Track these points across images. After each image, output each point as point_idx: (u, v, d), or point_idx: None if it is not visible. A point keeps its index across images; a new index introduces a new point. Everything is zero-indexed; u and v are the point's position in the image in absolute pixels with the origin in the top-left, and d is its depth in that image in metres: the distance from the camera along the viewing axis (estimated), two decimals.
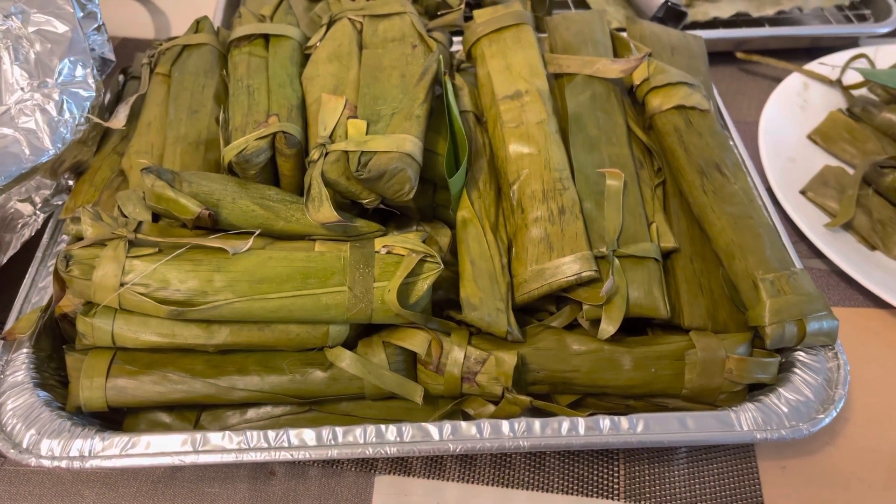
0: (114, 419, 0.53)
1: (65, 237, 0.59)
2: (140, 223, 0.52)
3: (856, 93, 0.82)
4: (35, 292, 0.55)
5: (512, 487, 0.54)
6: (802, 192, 0.72)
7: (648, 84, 0.62)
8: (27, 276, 0.56)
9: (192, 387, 0.50)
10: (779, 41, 0.88)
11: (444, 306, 0.56)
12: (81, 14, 0.62)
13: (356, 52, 0.63)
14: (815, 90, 0.83)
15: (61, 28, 0.59)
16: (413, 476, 0.54)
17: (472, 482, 0.54)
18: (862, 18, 0.92)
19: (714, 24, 0.89)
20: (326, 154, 0.54)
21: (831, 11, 0.93)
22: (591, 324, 0.53)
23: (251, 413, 0.53)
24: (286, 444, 0.47)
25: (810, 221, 0.69)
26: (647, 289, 0.53)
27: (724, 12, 0.88)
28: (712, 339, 0.51)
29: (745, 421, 0.49)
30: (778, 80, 0.86)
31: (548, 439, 0.48)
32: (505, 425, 0.48)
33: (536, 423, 0.48)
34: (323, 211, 0.51)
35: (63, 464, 0.46)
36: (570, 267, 0.52)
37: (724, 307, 0.54)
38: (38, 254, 0.58)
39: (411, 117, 0.55)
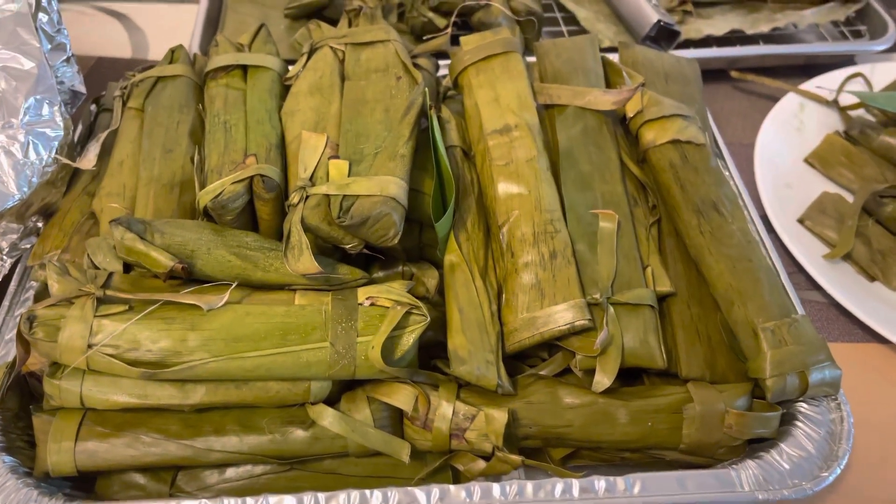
0: (86, 477, 0.50)
1: (33, 283, 0.56)
2: (110, 275, 0.49)
3: (853, 113, 0.80)
4: (1, 345, 0.53)
5: None
6: (800, 221, 0.70)
7: (642, 117, 0.60)
8: None
9: (166, 449, 0.48)
10: (774, 59, 0.86)
11: (431, 348, 0.54)
12: (50, 46, 0.60)
13: (338, 83, 0.61)
14: (812, 111, 0.81)
15: (27, 64, 0.56)
16: None
17: None
18: (857, 35, 0.90)
19: (707, 41, 0.86)
20: (307, 198, 0.51)
21: (827, 28, 0.91)
22: (585, 373, 0.51)
23: (230, 472, 0.50)
24: None
25: (808, 252, 0.67)
26: (643, 338, 0.50)
27: (718, 30, 0.86)
28: (711, 392, 0.49)
29: (745, 480, 0.47)
30: (773, 98, 0.84)
31: (541, 503, 0.45)
32: (496, 489, 0.46)
33: (529, 487, 0.46)
34: (303, 261, 0.48)
35: None
36: (562, 316, 0.50)
37: (723, 355, 0.52)
38: (6, 302, 0.55)
39: (395, 157, 0.53)
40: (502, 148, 0.57)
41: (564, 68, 0.65)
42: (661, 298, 0.55)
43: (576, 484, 0.46)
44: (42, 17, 0.59)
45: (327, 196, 0.50)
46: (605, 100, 0.61)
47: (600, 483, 0.46)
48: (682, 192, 0.56)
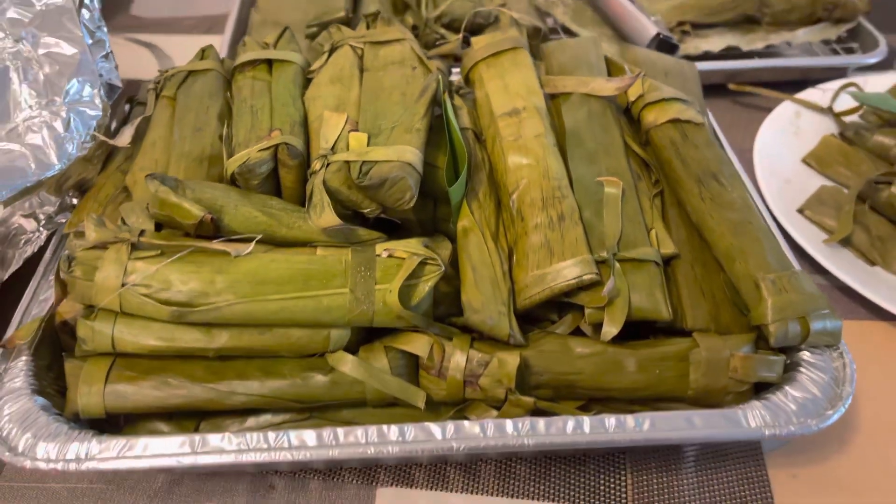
0: (113, 423, 0.52)
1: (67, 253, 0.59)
2: (143, 231, 0.52)
3: (847, 119, 0.83)
4: (35, 304, 0.55)
5: (517, 497, 0.52)
6: (800, 211, 0.73)
7: (643, 100, 0.64)
8: (28, 289, 0.56)
9: (191, 391, 0.50)
10: (770, 73, 0.91)
11: (445, 320, 0.56)
12: (90, 41, 0.64)
13: (357, 74, 0.65)
14: (807, 118, 0.84)
15: (70, 51, 0.60)
16: (416, 487, 0.53)
17: (477, 493, 0.53)
18: (850, 51, 0.95)
19: (705, 57, 0.91)
20: (328, 164, 0.54)
21: (819, 46, 0.96)
22: (594, 329, 0.52)
23: (251, 421, 0.52)
24: (286, 445, 0.46)
25: (810, 238, 0.69)
26: (649, 291, 0.52)
27: (715, 46, 0.91)
28: (716, 339, 0.51)
29: (752, 418, 0.48)
30: (770, 110, 0.87)
31: (552, 437, 0.47)
32: (509, 424, 0.47)
33: (541, 422, 0.47)
34: (325, 216, 0.51)
35: (59, 466, 0.45)
36: (570, 270, 0.52)
37: (727, 311, 0.54)
38: (40, 268, 0.58)
39: (411, 130, 0.56)
40: (511, 127, 0.61)
41: (569, 63, 0.69)
42: (666, 261, 0.57)
43: (587, 421, 0.47)
44: (84, 13, 0.64)
45: (347, 163, 0.54)
46: (608, 86, 0.65)
47: (610, 420, 0.47)
48: (683, 165, 0.59)
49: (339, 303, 0.50)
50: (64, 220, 0.61)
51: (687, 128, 0.62)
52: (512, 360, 0.50)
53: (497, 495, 0.53)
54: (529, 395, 0.52)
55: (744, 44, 0.91)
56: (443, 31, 0.86)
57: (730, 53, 0.92)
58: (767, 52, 0.93)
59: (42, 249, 0.60)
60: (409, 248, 0.51)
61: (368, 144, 0.56)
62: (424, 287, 0.51)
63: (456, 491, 0.53)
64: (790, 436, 0.47)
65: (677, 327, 0.54)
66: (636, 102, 0.64)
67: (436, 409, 0.53)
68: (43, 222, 0.60)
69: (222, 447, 0.46)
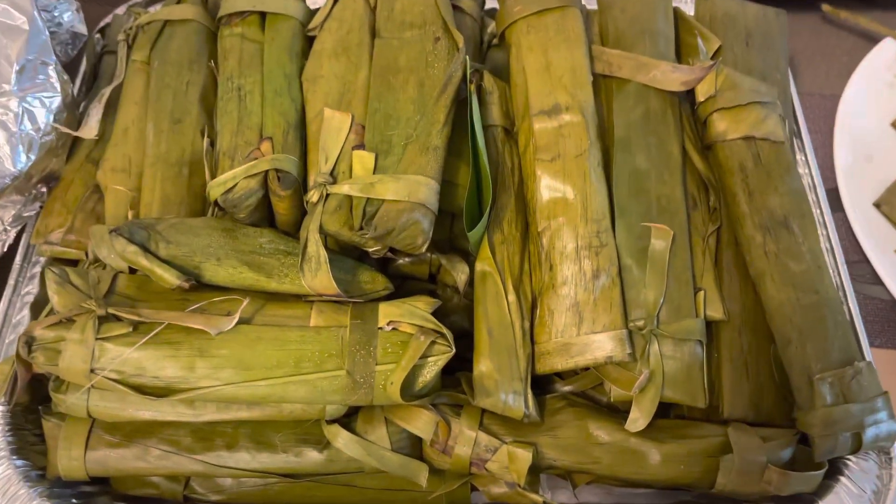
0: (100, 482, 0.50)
1: (39, 259, 0.53)
2: (114, 278, 0.46)
3: None
4: (10, 329, 0.51)
5: None
6: (876, 205, 0.63)
7: (714, 103, 0.52)
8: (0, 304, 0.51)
9: (176, 462, 0.46)
10: None
11: (458, 340, 0.50)
12: None
13: (367, 41, 0.53)
14: None
15: (18, 19, 0.49)
16: None
17: None
18: None
19: None
20: (326, 197, 0.46)
21: None
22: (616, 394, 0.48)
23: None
24: None
25: (879, 242, 0.61)
26: (686, 375, 0.47)
27: None
28: (753, 439, 0.46)
29: None
30: (868, 38, 0.73)
31: None
32: None
33: None
34: (320, 278, 0.44)
35: None
36: (600, 347, 0.46)
37: (771, 393, 0.48)
38: (11, 281, 0.52)
39: (428, 150, 0.47)
40: (549, 135, 0.50)
41: (629, 29, 0.55)
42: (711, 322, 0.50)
43: None
44: None
45: (349, 196, 0.45)
46: (673, 78, 0.52)
47: None
48: (749, 201, 0.50)
49: (335, 385, 0.44)
50: (32, 213, 0.54)
51: (762, 147, 0.51)
52: (524, 456, 0.46)
53: None
54: (541, 473, 0.49)
55: None
56: None
57: None
58: None
59: (12, 248, 0.54)
60: (417, 320, 0.45)
61: (375, 167, 0.47)
62: (432, 370, 0.45)
63: None
64: None
65: (712, 404, 0.49)
66: (706, 103, 0.53)
67: (440, 474, 0.49)
68: (10, 221, 0.53)
69: None
